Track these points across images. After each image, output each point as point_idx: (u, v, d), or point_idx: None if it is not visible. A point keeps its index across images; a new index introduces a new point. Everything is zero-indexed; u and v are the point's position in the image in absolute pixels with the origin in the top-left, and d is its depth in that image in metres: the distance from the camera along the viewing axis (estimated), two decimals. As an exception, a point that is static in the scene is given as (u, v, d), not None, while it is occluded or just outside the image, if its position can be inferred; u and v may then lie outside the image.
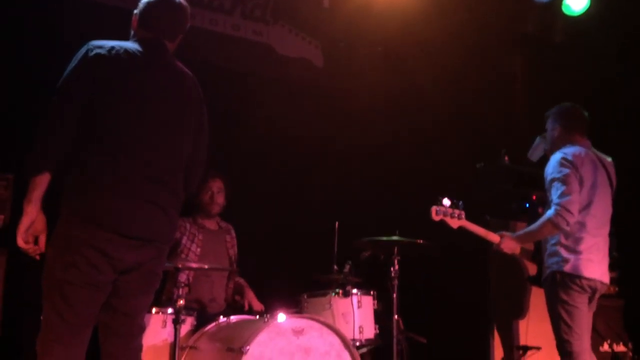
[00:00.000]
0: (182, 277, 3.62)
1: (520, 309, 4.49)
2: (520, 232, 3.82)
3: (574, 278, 3.46)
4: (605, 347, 4.56)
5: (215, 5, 5.06)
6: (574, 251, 3.51)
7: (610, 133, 4.66)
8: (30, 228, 2.33)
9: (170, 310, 3.36)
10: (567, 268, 3.48)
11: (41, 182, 2.31)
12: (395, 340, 3.73)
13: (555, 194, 3.51)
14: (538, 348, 4.27)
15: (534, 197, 4.68)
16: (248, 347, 3.07)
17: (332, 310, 3.70)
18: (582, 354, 3.43)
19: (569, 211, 3.44)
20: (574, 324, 3.44)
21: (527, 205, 4.72)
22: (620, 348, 4.65)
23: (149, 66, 2.53)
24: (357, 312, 3.71)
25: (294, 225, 4.93)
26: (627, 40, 5.21)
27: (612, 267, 3.69)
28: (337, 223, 4.10)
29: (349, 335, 3.51)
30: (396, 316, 3.76)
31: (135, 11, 2.66)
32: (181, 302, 3.17)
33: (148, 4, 2.63)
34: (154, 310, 3.37)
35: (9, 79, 3.93)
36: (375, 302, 3.85)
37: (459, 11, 5.24)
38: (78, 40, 2.53)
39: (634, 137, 5.16)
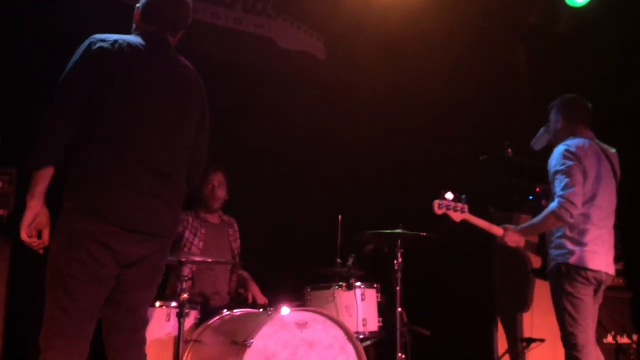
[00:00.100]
0: (186, 271, 3.62)
1: (524, 302, 4.49)
2: (524, 225, 3.81)
3: (580, 270, 3.46)
4: (610, 339, 4.56)
5: (217, -1, 5.05)
6: (580, 243, 3.50)
7: (614, 125, 4.63)
8: (34, 222, 2.33)
9: (174, 304, 3.37)
10: (573, 260, 3.47)
11: (44, 177, 2.31)
12: (399, 333, 3.73)
13: (558, 186, 3.50)
14: (542, 340, 4.27)
15: (538, 190, 4.68)
16: (252, 341, 3.08)
17: (336, 303, 3.70)
18: (587, 346, 3.42)
19: (572, 203, 3.43)
20: (579, 317, 3.43)
21: (531, 197, 4.72)
22: (624, 340, 4.65)
23: (152, 60, 2.52)
24: (360, 305, 3.71)
25: (297, 218, 4.93)
26: (631, 32, 5.19)
27: (617, 259, 3.68)
28: (340, 216, 4.10)
29: (352, 329, 3.51)
30: (400, 309, 3.76)
31: (138, 5, 2.65)
32: (185, 295, 3.17)
33: None
34: (158, 304, 3.38)
35: (12, 74, 3.93)
36: (379, 295, 3.85)
37: (462, 3, 5.22)
38: (80, 32, 2.53)
39: (639, 129, 5.14)
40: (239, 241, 4.21)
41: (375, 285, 3.86)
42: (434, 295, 4.90)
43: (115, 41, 2.45)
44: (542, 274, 3.84)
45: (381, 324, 3.79)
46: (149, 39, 2.55)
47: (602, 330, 4.30)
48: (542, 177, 3.99)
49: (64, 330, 2.31)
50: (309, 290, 3.83)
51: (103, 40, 2.44)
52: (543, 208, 3.67)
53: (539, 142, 4.04)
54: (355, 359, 3.39)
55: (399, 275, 3.79)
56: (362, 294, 3.74)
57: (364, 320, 3.70)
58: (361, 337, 3.64)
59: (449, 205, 3.62)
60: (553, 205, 3.49)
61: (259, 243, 4.57)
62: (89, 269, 2.32)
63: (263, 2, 5.27)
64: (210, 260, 3.76)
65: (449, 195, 3.62)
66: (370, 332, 3.73)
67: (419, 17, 5.20)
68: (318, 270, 4.01)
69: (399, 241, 3.82)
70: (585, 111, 3.77)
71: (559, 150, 3.60)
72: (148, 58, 2.51)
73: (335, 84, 5.44)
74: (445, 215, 3.64)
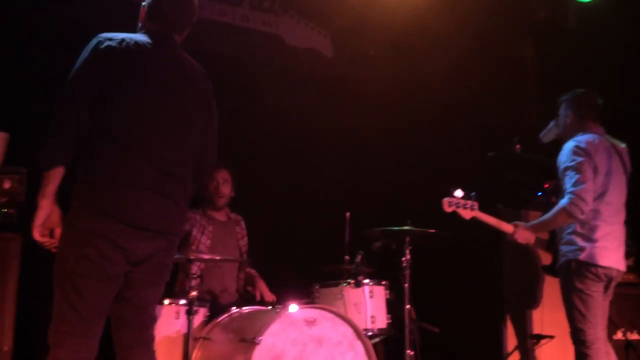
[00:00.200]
0: (194, 269, 3.63)
1: (533, 298, 4.48)
2: (534, 221, 3.79)
3: (589, 266, 3.44)
4: (619, 335, 4.54)
5: (223, -4, 5.06)
6: (590, 239, 3.48)
7: (622, 120, 4.60)
8: (46, 221, 2.35)
9: (183, 302, 3.38)
10: (583, 256, 3.46)
11: (55, 176, 2.33)
12: (407, 330, 3.73)
13: (569, 182, 3.48)
14: (551, 337, 4.26)
15: (546, 186, 4.66)
16: (260, 338, 3.08)
17: (344, 300, 3.70)
18: (596, 342, 3.41)
19: (583, 199, 3.41)
20: (589, 313, 3.42)
21: (539, 193, 4.70)
22: (634, 336, 4.63)
23: (158, 59, 2.53)
24: (369, 302, 3.71)
25: (305, 215, 4.93)
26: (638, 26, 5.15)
27: (627, 255, 3.66)
28: (348, 213, 4.10)
29: (361, 325, 3.52)
30: (408, 306, 3.76)
31: (144, 3, 2.66)
32: (194, 293, 3.18)
33: None
34: (167, 301, 3.39)
35: (21, 73, 3.95)
36: (387, 292, 3.85)
37: (468, -1, 5.21)
38: (86, 30, 2.54)
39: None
40: (246, 238, 4.22)
41: (384, 282, 3.85)
42: (442, 291, 4.90)
43: (123, 40, 2.46)
44: (552, 270, 3.83)
45: (390, 321, 3.79)
46: (155, 38, 2.55)
47: (611, 327, 4.28)
48: (551, 173, 3.97)
49: (73, 328, 2.32)
50: (317, 287, 3.83)
51: (110, 39, 2.44)
52: (553, 204, 3.66)
53: (547, 135, 4.01)
54: (363, 356, 3.39)
55: (407, 272, 3.78)
56: (371, 291, 3.74)
57: (372, 317, 3.69)
58: (370, 334, 3.64)
59: (459, 203, 3.60)
60: (563, 201, 3.47)
61: (267, 241, 4.58)
62: (98, 267, 2.33)
63: (270, -1, 5.27)
64: (218, 258, 3.77)
65: (458, 193, 3.60)
66: (379, 329, 3.72)
67: (426, 13, 5.18)
68: (326, 268, 4.01)
69: (407, 238, 3.81)
70: (595, 106, 3.74)
71: (569, 146, 3.58)
72: (155, 57, 2.51)
73: (342, 81, 5.43)
74: (454, 213, 3.62)
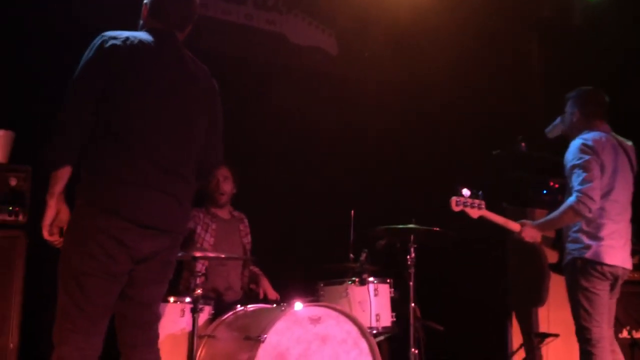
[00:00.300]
0: (199, 267, 3.64)
1: (539, 297, 4.47)
2: (541, 220, 3.78)
3: (595, 265, 3.44)
4: (625, 333, 4.53)
5: (228, -5, 5.06)
6: (596, 237, 3.47)
7: (626, 118, 4.58)
8: (55, 220, 2.36)
9: (188, 300, 3.38)
10: (589, 255, 3.45)
11: (62, 176, 2.34)
12: (412, 329, 3.72)
13: (576, 180, 3.47)
14: (556, 335, 4.25)
15: (551, 184, 4.64)
16: (265, 336, 3.09)
17: (349, 298, 3.70)
18: (601, 340, 3.41)
19: (590, 198, 3.40)
20: (594, 311, 3.41)
21: (545, 192, 4.69)
22: (639, 334, 4.61)
23: (162, 57, 2.53)
24: (373, 300, 3.71)
25: (309, 214, 4.93)
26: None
27: (633, 252, 3.65)
28: (352, 211, 4.10)
29: (365, 324, 3.52)
30: (413, 304, 3.75)
31: (145, 1, 2.65)
32: (199, 291, 3.19)
33: None
34: (172, 299, 3.39)
35: (27, 72, 3.96)
36: (392, 290, 3.85)
37: (473, -4, 5.19)
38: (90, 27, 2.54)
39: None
40: (249, 236, 4.22)
41: (388, 280, 3.85)
42: (447, 290, 4.89)
43: (127, 38, 2.46)
44: (558, 268, 3.82)
45: (394, 319, 3.79)
46: (158, 36, 2.55)
47: (617, 325, 4.27)
48: (556, 171, 3.96)
49: (77, 326, 2.33)
50: (321, 285, 3.83)
51: (115, 38, 2.44)
52: (559, 203, 3.65)
53: (553, 131, 3.99)
54: (368, 354, 3.39)
55: (412, 270, 3.78)
56: (375, 289, 3.74)
57: (377, 315, 3.69)
58: (374, 332, 3.64)
59: (466, 202, 3.59)
60: (571, 199, 3.46)
61: (272, 239, 4.58)
62: (103, 265, 2.34)
63: (274, -3, 5.27)
64: (223, 256, 3.77)
65: (466, 192, 3.59)
66: (383, 327, 3.72)
67: (430, 11, 5.17)
68: (331, 266, 4.01)
69: (412, 236, 3.80)
70: (602, 104, 3.73)
71: (576, 144, 3.57)
72: (158, 56, 2.51)
73: (347, 79, 5.42)
74: (462, 212, 3.61)
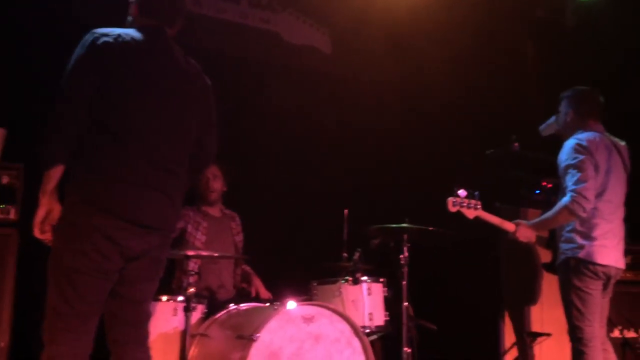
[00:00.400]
0: (191, 265, 3.63)
1: (532, 296, 4.48)
2: (536, 220, 3.78)
3: (588, 264, 3.44)
4: (616, 333, 4.55)
5: (222, -7, 5.05)
6: (589, 237, 3.48)
7: (621, 118, 4.61)
8: (48, 218, 2.35)
9: (180, 298, 3.37)
10: (582, 254, 3.46)
11: (55, 174, 2.32)
12: (405, 328, 3.73)
13: (570, 180, 3.47)
14: (548, 334, 4.27)
15: (544, 184, 4.66)
16: (258, 335, 3.08)
17: (342, 297, 3.70)
18: (593, 340, 3.42)
19: (585, 197, 3.41)
20: (586, 310, 3.42)
21: (538, 191, 4.70)
22: (630, 334, 4.64)
23: (155, 55, 2.52)
24: (367, 300, 3.71)
25: (303, 212, 4.93)
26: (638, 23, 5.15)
27: (626, 252, 3.67)
28: (346, 211, 4.10)
29: (359, 323, 3.51)
30: (406, 303, 3.75)
31: None
32: (192, 289, 3.18)
33: None
34: (164, 298, 3.38)
35: (16, 69, 3.94)
36: (385, 289, 3.85)
37: (469, -5, 5.20)
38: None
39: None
40: (241, 234, 4.22)
41: (382, 280, 3.85)
42: (440, 289, 4.90)
43: (119, 35, 2.44)
44: (551, 268, 3.83)
45: (387, 318, 3.79)
46: (149, 33, 2.54)
47: (609, 324, 4.30)
48: (549, 171, 3.96)
49: (68, 324, 2.32)
50: (315, 284, 3.83)
51: (106, 35, 2.43)
52: (553, 203, 3.66)
53: (547, 130, 4.00)
54: (361, 353, 3.39)
55: (405, 269, 3.78)
56: (368, 288, 3.74)
57: (370, 314, 3.70)
58: (367, 331, 3.64)
59: (463, 202, 3.59)
60: (565, 199, 3.47)
61: (266, 237, 4.57)
62: (94, 263, 2.33)
63: (268, -4, 5.26)
64: (217, 255, 3.77)
65: (462, 192, 3.59)
66: (377, 326, 3.73)
67: (425, 11, 5.18)
68: (324, 265, 4.01)
69: (405, 235, 3.81)
70: (596, 104, 3.74)
71: (570, 143, 3.57)
72: (151, 53, 2.51)
73: (341, 78, 5.42)
74: (459, 213, 3.62)
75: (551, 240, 3.89)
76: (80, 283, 2.32)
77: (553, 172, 3.75)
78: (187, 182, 2.61)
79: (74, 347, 2.32)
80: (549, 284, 4.32)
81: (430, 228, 3.80)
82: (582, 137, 3.57)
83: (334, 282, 3.77)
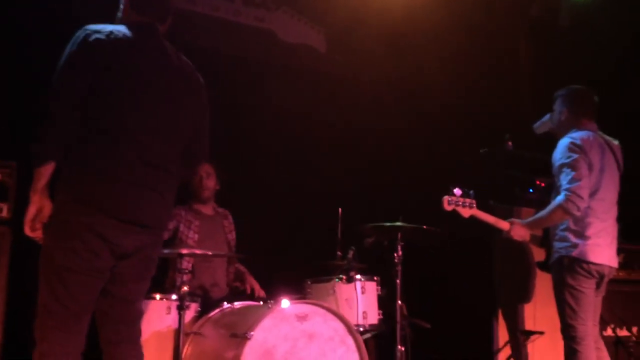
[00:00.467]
0: (185, 264, 3.62)
1: (525, 294, 4.50)
2: (530, 218, 3.79)
3: (582, 263, 3.46)
4: (609, 331, 4.57)
5: (216, -9, 5.03)
6: (583, 236, 3.50)
7: (615, 117, 4.63)
8: (39, 216, 2.33)
9: (174, 297, 3.37)
10: (575, 253, 3.48)
11: (46, 172, 2.31)
12: (398, 326, 3.73)
13: (564, 179, 3.48)
14: (541, 333, 4.28)
15: (538, 182, 4.67)
16: (252, 333, 3.08)
17: (336, 296, 3.71)
18: (586, 338, 3.43)
19: (579, 196, 3.42)
20: (580, 309, 3.44)
21: (531, 190, 4.71)
22: (623, 333, 4.66)
23: (147, 51, 2.51)
24: (360, 298, 3.72)
25: (297, 211, 4.93)
26: (634, 24, 5.17)
27: (619, 251, 3.68)
28: (340, 209, 4.10)
29: (352, 321, 3.52)
30: (400, 302, 3.76)
31: None
32: (185, 288, 3.17)
33: None
34: (158, 296, 3.38)
35: (10, 66, 3.92)
36: (379, 287, 3.86)
37: (463, -5, 5.21)
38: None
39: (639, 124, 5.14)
40: (234, 233, 4.21)
41: (375, 278, 3.86)
42: (434, 287, 4.91)
43: (111, 32, 2.43)
44: (545, 266, 3.84)
45: (381, 317, 3.80)
46: (141, 30, 2.52)
47: (601, 323, 4.32)
48: (543, 170, 3.97)
49: (60, 323, 2.31)
50: (309, 282, 3.84)
51: (98, 31, 2.41)
52: (546, 202, 3.67)
53: (541, 127, 4.00)
54: (355, 352, 3.39)
55: (399, 268, 3.78)
56: (362, 287, 3.75)
57: (363, 312, 3.70)
58: (361, 329, 3.64)
59: (458, 201, 3.60)
60: (559, 198, 3.48)
61: (259, 236, 4.57)
62: (86, 261, 2.32)
63: (263, -6, 5.26)
64: (210, 253, 3.76)
65: (457, 191, 3.60)
66: (370, 325, 3.73)
67: (420, 10, 5.18)
68: (318, 263, 4.01)
69: (399, 234, 3.81)
70: (590, 104, 3.75)
71: (564, 142, 3.58)
72: (143, 49, 2.50)
73: (336, 77, 5.42)
74: (454, 211, 3.63)
75: (545, 239, 3.90)
76: (71, 281, 2.31)
77: (547, 171, 3.76)
78: (178, 180, 2.60)
79: (65, 345, 2.31)
80: (542, 283, 4.34)
81: (424, 227, 3.81)
82: (577, 136, 3.58)
83: (328, 281, 3.77)
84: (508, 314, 4.51)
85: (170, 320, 3.35)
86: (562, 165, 3.52)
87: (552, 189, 3.70)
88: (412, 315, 4.10)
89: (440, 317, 4.39)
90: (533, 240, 3.98)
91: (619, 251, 3.73)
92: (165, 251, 3.43)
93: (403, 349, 3.74)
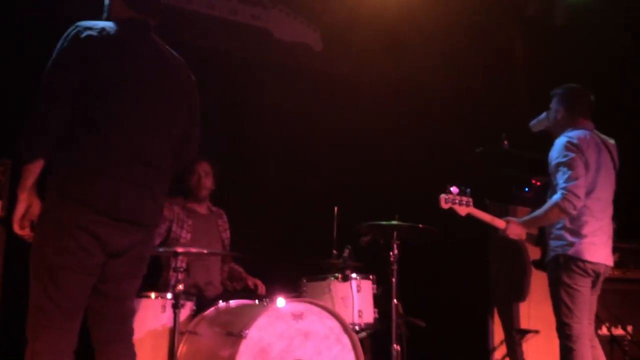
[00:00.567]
0: (179, 262, 3.61)
1: (521, 293, 4.51)
2: (526, 217, 3.80)
3: (578, 261, 3.47)
4: (604, 330, 4.58)
5: (212, -11, 5.02)
6: (579, 235, 3.51)
7: (611, 115, 4.64)
8: (27, 214, 2.32)
9: (169, 296, 3.36)
10: (571, 251, 3.48)
11: (34, 170, 2.30)
12: (394, 325, 3.73)
13: (561, 178, 3.49)
14: (536, 331, 4.29)
15: (534, 181, 4.68)
16: (247, 332, 3.07)
17: (332, 294, 3.70)
18: (582, 337, 3.44)
19: (576, 195, 3.43)
20: (575, 307, 3.44)
21: (527, 189, 4.72)
22: (618, 331, 4.67)
23: (140, 48, 2.50)
24: (356, 297, 3.71)
25: (293, 209, 4.92)
26: (629, 23, 5.19)
27: (614, 250, 3.69)
28: (336, 208, 4.10)
29: (348, 320, 3.51)
30: (395, 300, 3.76)
31: None
32: (180, 287, 3.17)
33: None
34: (153, 295, 3.37)
35: (5, 63, 3.90)
36: (375, 286, 3.85)
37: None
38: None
39: (635, 122, 5.15)
40: (228, 232, 4.21)
41: (371, 277, 3.85)
42: (429, 286, 4.91)
43: (103, 29, 2.41)
44: (541, 265, 3.85)
45: (377, 315, 3.79)
46: (134, 26, 2.51)
47: (596, 322, 4.33)
48: (538, 169, 3.97)
49: (52, 321, 2.30)
50: (304, 281, 3.83)
51: (90, 28, 2.39)
52: (542, 201, 3.67)
53: (537, 125, 4.01)
54: (350, 350, 3.39)
55: (395, 266, 3.78)
56: (358, 285, 3.74)
57: (359, 311, 3.70)
58: (356, 328, 3.64)
59: (455, 200, 3.61)
60: (556, 197, 3.48)
61: (255, 234, 4.56)
62: (77, 259, 2.31)
63: (259, -8, 5.25)
64: (205, 252, 3.75)
65: (454, 189, 3.61)
66: (366, 324, 3.73)
67: (416, 8, 5.18)
68: (314, 261, 4.01)
69: (395, 232, 3.81)
70: (587, 103, 3.76)
71: (561, 141, 3.59)
72: (136, 46, 2.48)
73: (332, 75, 5.42)
74: (451, 210, 3.63)
75: (541, 238, 3.91)
76: (63, 279, 2.30)
77: (542, 170, 3.77)
78: (170, 178, 2.59)
79: (58, 343, 2.30)
80: (537, 281, 4.35)
81: (420, 225, 3.81)
82: (573, 135, 3.59)
83: (324, 279, 3.77)
84: (504, 313, 4.51)
85: (165, 318, 3.34)
86: (559, 164, 3.52)
87: (548, 188, 3.70)
88: (408, 314, 4.10)
89: (436, 315, 4.39)
90: (529, 238, 3.99)
91: (615, 250, 3.74)
92: (161, 250, 3.44)
93: (399, 347, 3.73)
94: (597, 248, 3.52)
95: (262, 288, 4.10)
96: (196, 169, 4.04)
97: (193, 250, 3.58)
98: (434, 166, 5.03)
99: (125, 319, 2.54)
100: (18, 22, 3.99)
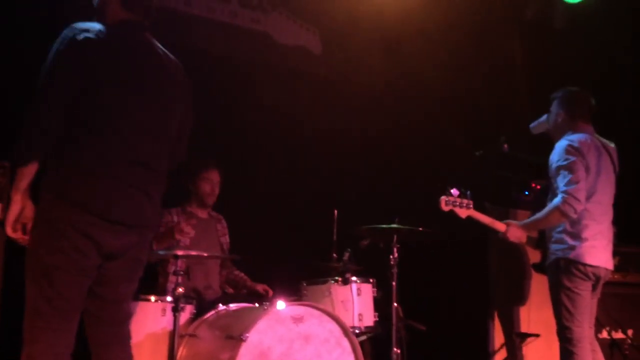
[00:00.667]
0: (179, 266, 3.60)
1: (521, 296, 4.50)
2: (527, 220, 3.80)
3: (578, 265, 3.46)
4: (604, 334, 4.58)
5: (212, -7, 5.03)
6: (579, 238, 3.50)
7: (610, 119, 4.64)
8: (20, 216, 2.31)
9: (169, 299, 3.35)
10: (572, 255, 3.48)
11: (29, 172, 2.29)
12: (394, 328, 3.73)
13: (562, 181, 3.49)
14: (537, 335, 4.28)
15: (533, 185, 4.68)
16: (247, 335, 3.07)
17: (332, 297, 3.70)
18: (582, 340, 3.43)
19: (576, 199, 3.42)
20: (576, 311, 3.44)
21: (526, 192, 4.72)
22: (618, 335, 4.66)
23: (136, 50, 2.49)
24: (356, 300, 3.71)
25: (293, 213, 4.92)
26: (628, 25, 5.20)
27: (614, 254, 3.69)
28: (335, 211, 4.09)
29: (348, 323, 3.51)
30: (395, 304, 3.75)
31: None
32: (180, 290, 3.16)
33: None
34: (153, 298, 3.36)
35: (5, 66, 3.90)
36: (375, 289, 3.85)
37: (458, -3, 5.23)
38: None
39: (635, 124, 5.15)
40: (227, 237, 4.21)
41: (371, 280, 3.85)
42: (430, 290, 4.91)
43: (100, 30, 2.40)
44: (541, 268, 3.84)
45: (377, 319, 3.79)
46: (129, 28, 2.51)
47: (597, 325, 4.32)
48: (538, 172, 3.97)
49: (49, 323, 2.29)
50: (304, 284, 3.82)
51: (87, 30, 2.38)
52: (542, 204, 3.67)
53: (537, 128, 4.00)
54: (350, 354, 3.38)
55: (395, 270, 3.78)
56: (358, 289, 3.74)
57: (359, 314, 3.69)
58: (357, 331, 3.64)
59: (455, 202, 3.61)
60: (557, 200, 3.48)
61: (255, 238, 4.55)
62: (72, 260, 2.30)
63: (258, -4, 5.25)
64: (206, 255, 3.74)
65: (455, 191, 3.60)
66: (366, 327, 3.72)
67: (415, 11, 5.18)
68: (314, 265, 4.00)
69: (395, 236, 3.81)
70: (587, 106, 3.75)
71: (561, 145, 3.59)
72: (132, 48, 2.48)
73: (331, 79, 5.42)
74: (451, 212, 3.62)
75: (541, 241, 3.91)
76: (59, 281, 2.29)
77: (542, 173, 3.77)
78: (166, 179, 2.58)
79: (54, 345, 2.29)
80: (537, 285, 4.34)
81: (420, 228, 3.80)
82: (574, 138, 3.59)
83: (324, 283, 3.76)
84: (504, 316, 4.51)
85: (165, 322, 3.33)
86: (560, 168, 3.52)
87: (548, 191, 3.70)
88: (408, 317, 4.09)
89: (436, 319, 4.38)
90: (529, 242, 3.99)
91: (615, 254, 3.74)
92: (161, 252, 3.43)
93: (399, 351, 3.73)
94: (598, 251, 3.51)
95: (271, 292, 4.10)
96: (210, 177, 4.04)
97: (193, 253, 3.57)
98: (433, 170, 5.02)
99: (122, 321, 2.54)
100: (18, 25, 3.98)
